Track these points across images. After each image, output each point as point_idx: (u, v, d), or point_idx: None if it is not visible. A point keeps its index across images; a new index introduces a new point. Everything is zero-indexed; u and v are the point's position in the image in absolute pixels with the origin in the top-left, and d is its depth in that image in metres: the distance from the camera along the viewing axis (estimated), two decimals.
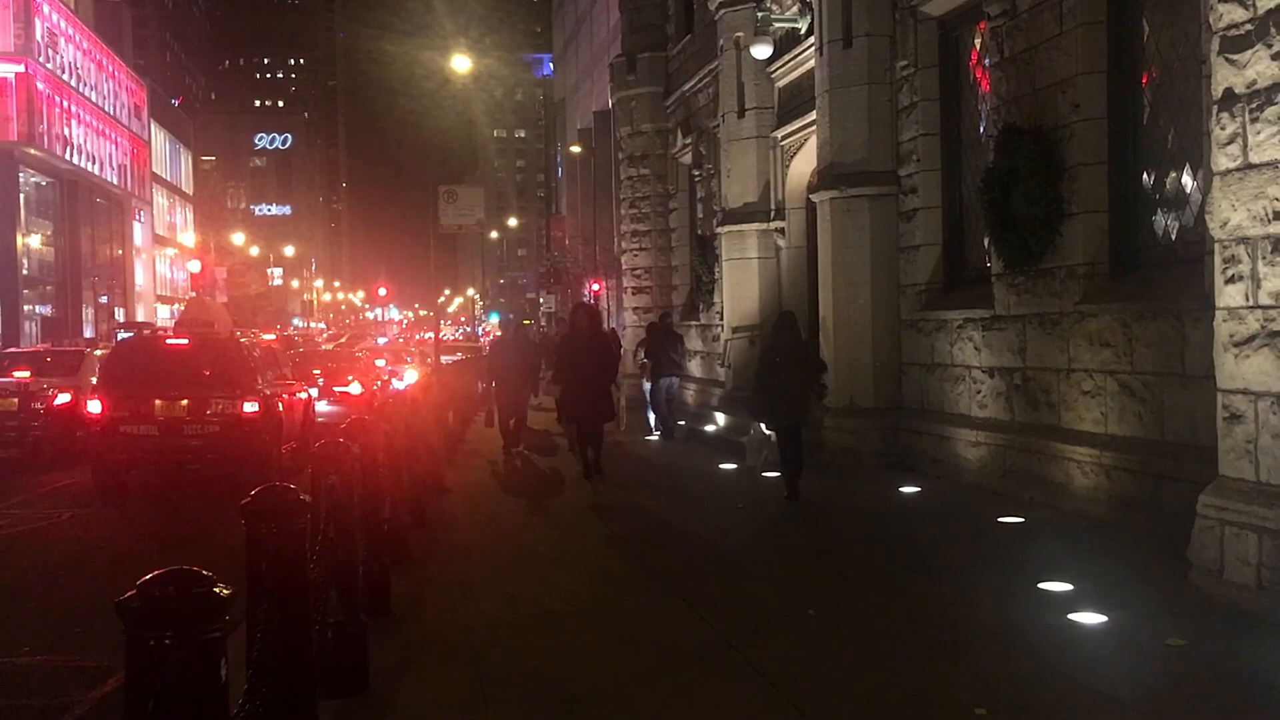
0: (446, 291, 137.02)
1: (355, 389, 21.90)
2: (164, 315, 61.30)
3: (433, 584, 7.74)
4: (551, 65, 77.44)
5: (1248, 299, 6.66)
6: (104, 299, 55.91)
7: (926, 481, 11.80)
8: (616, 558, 8.77)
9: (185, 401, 12.82)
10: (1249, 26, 6.61)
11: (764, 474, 12.40)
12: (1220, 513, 6.78)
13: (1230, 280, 6.82)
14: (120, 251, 59.63)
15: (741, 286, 18.76)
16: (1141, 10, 9.54)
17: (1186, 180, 9.03)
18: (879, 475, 12.46)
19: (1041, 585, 7.10)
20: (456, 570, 8.21)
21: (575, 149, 50.04)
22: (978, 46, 12.27)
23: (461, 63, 39.09)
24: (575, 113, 57.73)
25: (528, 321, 51.68)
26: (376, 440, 7.60)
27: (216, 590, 2.23)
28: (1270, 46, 6.45)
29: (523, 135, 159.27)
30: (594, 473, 12.88)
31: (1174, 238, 9.24)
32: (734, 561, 8.47)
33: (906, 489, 11.47)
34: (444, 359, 26.58)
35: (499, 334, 22.68)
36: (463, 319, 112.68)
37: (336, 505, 5.19)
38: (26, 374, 16.98)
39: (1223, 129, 6.84)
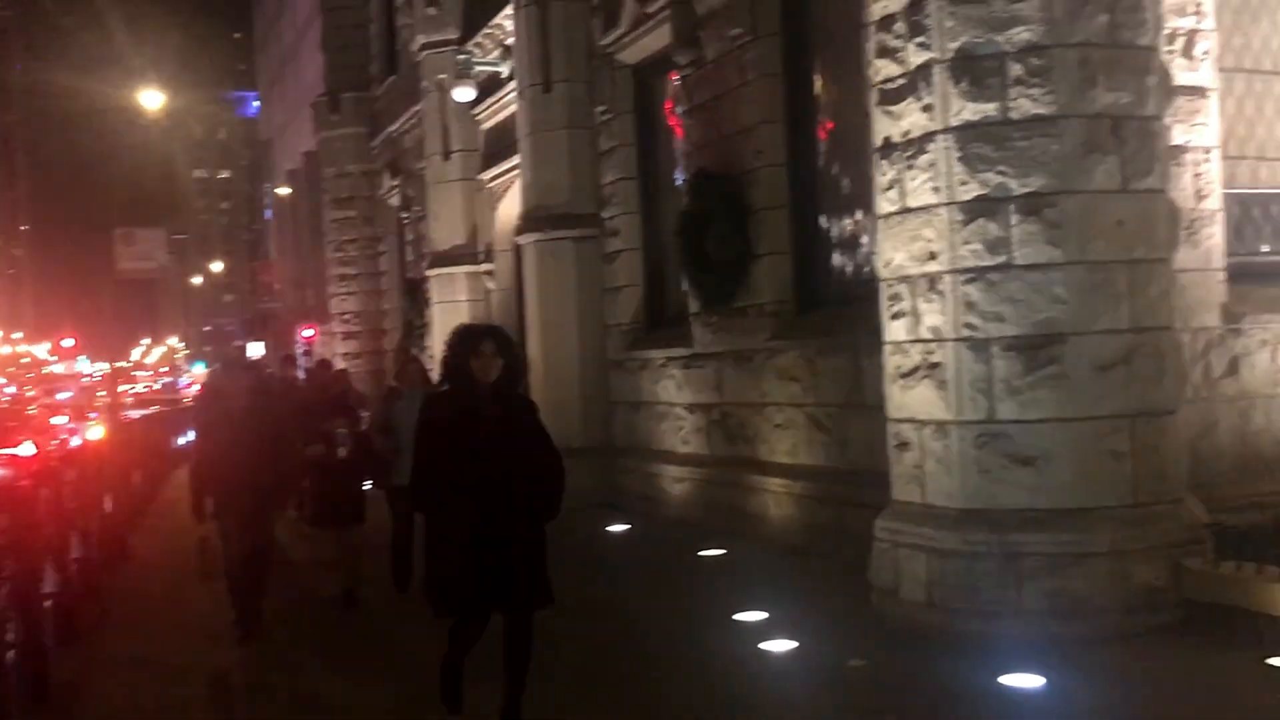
0: (146, 341, 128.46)
1: (28, 450, 20.03)
2: None
3: (102, 663, 7.08)
4: (257, 104, 74.50)
5: (910, 334, 7.12)
6: None
7: (634, 519, 11.93)
8: (297, 625, 8.28)
9: None
10: (902, 81, 7.11)
11: None
12: (894, 535, 7.18)
13: (895, 316, 7.27)
14: None
15: None
16: (813, 65, 10.14)
17: (860, 223, 9.62)
18: (587, 515, 12.44)
19: (736, 616, 7.28)
20: (131, 646, 7.55)
21: (284, 191, 48.19)
22: (670, 94, 12.69)
23: (153, 99, 36.99)
24: (284, 153, 55.66)
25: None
26: (36, 507, 6.91)
27: None
28: (921, 99, 6.96)
29: (227, 176, 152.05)
30: None
31: (851, 276, 9.81)
32: (423, 616, 8.20)
33: (614, 527, 11.57)
34: (135, 414, 24.81)
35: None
36: (163, 369, 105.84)
37: None
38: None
39: (883, 175, 7.32)
